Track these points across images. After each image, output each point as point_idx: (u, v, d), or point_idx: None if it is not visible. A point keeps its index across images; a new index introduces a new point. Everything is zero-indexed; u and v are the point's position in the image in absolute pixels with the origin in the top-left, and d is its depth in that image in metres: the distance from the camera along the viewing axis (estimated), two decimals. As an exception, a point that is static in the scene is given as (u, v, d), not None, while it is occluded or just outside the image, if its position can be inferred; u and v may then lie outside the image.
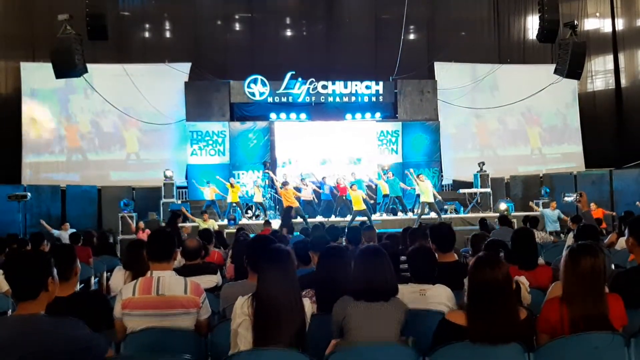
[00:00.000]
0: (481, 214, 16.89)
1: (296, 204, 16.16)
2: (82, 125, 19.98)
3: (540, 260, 5.36)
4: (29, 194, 16.12)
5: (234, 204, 17.33)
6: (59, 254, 3.76)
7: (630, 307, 3.33)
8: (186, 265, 5.38)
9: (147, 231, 14.77)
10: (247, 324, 3.23)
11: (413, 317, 3.55)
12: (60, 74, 13.97)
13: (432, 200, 16.04)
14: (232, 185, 17.44)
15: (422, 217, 16.10)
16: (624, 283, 3.74)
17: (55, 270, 2.80)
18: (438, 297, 3.89)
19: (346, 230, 8.61)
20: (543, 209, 16.39)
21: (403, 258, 5.26)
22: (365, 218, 15.92)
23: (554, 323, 3.15)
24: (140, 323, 3.59)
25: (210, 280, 5.30)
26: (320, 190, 17.93)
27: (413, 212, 17.52)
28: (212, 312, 3.97)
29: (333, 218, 17.07)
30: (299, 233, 10.96)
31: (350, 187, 16.73)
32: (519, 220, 14.01)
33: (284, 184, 16.72)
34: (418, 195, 16.83)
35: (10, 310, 5.54)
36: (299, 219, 16.26)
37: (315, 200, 17.76)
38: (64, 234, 13.95)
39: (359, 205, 16.19)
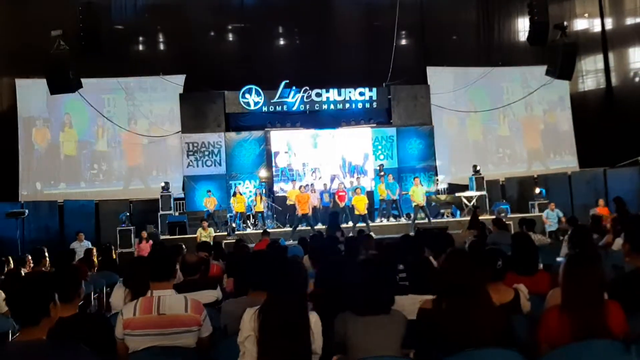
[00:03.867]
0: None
1: (307, 211, 16.28)
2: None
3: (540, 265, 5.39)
4: (26, 210, 16.16)
5: (239, 214, 17.58)
6: (64, 275, 3.78)
7: (630, 311, 3.35)
8: (185, 281, 5.38)
9: (150, 242, 14.81)
10: (253, 339, 3.25)
11: (414, 328, 3.56)
12: (55, 89, 14.00)
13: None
14: (235, 195, 17.65)
15: (417, 221, 16.52)
16: (623, 287, 3.77)
17: (56, 295, 2.82)
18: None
19: (344, 240, 8.61)
20: (546, 210, 16.49)
21: (401, 267, 5.28)
22: (364, 225, 16.04)
23: (555, 332, 3.17)
24: (142, 343, 3.60)
25: (211, 295, 5.27)
26: (320, 199, 17.99)
27: (409, 216, 17.67)
28: (213, 327, 3.96)
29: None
30: (297, 243, 10.96)
31: (354, 191, 16.91)
32: (515, 223, 14.05)
33: (303, 187, 17.18)
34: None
35: (10, 332, 5.55)
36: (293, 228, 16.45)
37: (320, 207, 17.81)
38: (78, 246, 13.99)
39: (361, 209, 16.32)
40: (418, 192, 16.85)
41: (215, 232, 16.54)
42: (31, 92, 19.02)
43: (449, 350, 3.10)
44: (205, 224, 15.79)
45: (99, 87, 19.18)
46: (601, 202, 15.99)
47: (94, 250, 10.62)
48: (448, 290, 3.24)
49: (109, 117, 19.65)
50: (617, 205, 12.80)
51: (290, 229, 16.79)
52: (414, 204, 17.03)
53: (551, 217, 16.20)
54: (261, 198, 17.93)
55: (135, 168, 20.34)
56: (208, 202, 17.86)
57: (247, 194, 19.06)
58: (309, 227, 16.21)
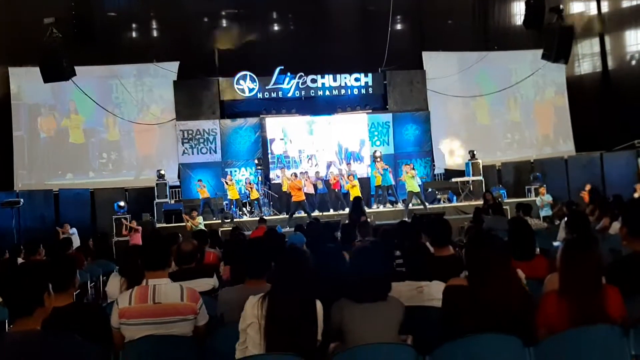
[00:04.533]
0: (474, 202, 16.97)
1: (302, 197, 16.18)
2: (72, 129, 19.83)
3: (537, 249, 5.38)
4: (21, 200, 16.11)
5: (234, 201, 17.47)
6: (59, 265, 3.75)
7: (628, 295, 3.34)
8: (181, 269, 5.36)
9: (139, 229, 14.75)
10: (256, 326, 3.24)
11: (411, 314, 3.55)
12: (48, 78, 13.93)
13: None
14: (227, 183, 17.60)
15: (412, 207, 16.54)
16: (621, 271, 3.76)
17: (50, 285, 2.79)
18: (436, 294, 3.89)
19: (340, 226, 8.61)
20: (538, 197, 16.45)
21: (398, 253, 5.27)
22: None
23: (553, 317, 3.16)
24: (138, 332, 3.58)
25: (207, 283, 5.27)
26: (314, 183, 17.94)
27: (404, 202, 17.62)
28: (210, 315, 3.94)
29: (331, 212, 17.18)
30: (294, 230, 10.94)
31: (348, 177, 16.83)
32: (512, 207, 14.06)
33: (295, 175, 16.86)
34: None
35: (7, 321, 5.54)
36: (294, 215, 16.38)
37: (314, 193, 17.75)
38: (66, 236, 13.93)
39: (356, 195, 16.20)
40: (409, 180, 16.73)
41: (212, 219, 16.50)
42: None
43: (453, 335, 3.10)
44: (195, 213, 15.66)
45: (92, 74, 19.06)
46: (587, 186, 15.98)
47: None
48: (481, 268, 3.22)
49: (103, 105, 19.50)
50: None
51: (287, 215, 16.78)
52: (407, 190, 16.97)
53: (544, 202, 16.15)
54: (251, 186, 17.82)
55: (129, 156, 20.25)
56: (201, 192, 17.79)
57: (242, 180, 19.04)
58: (305, 214, 16.16)
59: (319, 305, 3.36)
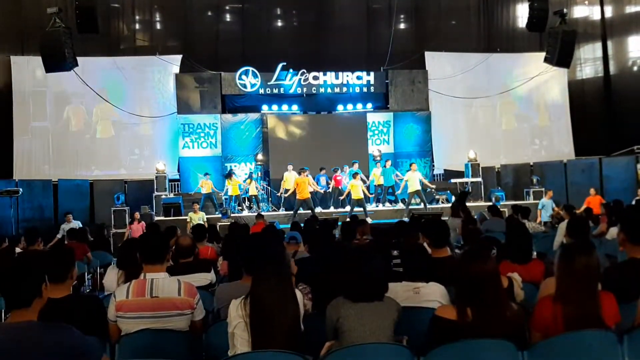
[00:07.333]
0: (472, 204, 16.97)
1: (308, 195, 16.05)
2: (72, 119, 19.79)
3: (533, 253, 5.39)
4: (20, 189, 16.09)
5: (233, 197, 17.46)
6: (58, 256, 3.75)
7: (623, 301, 3.36)
8: (179, 263, 5.37)
9: (142, 223, 14.73)
10: (242, 325, 3.27)
11: (407, 315, 3.56)
12: (50, 68, 13.89)
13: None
14: (230, 177, 17.53)
15: (412, 207, 16.44)
16: (617, 278, 3.77)
17: (46, 276, 2.78)
18: (432, 295, 3.91)
19: (339, 224, 8.62)
20: (542, 200, 16.44)
21: (395, 253, 5.28)
22: (361, 209, 15.96)
23: (548, 321, 3.17)
24: (135, 325, 3.60)
25: (204, 278, 5.29)
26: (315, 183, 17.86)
27: (404, 202, 17.57)
28: (206, 310, 3.97)
29: (332, 209, 17.17)
30: (290, 228, 10.92)
31: (353, 177, 16.63)
32: (510, 210, 14.04)
33: (302, 170, 16.64)
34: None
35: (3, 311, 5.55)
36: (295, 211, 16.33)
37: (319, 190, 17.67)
38: (67, 227, 13.92)
39: (357, 194, 16.14)
40: (413, 178, 16.67)
41: (214, 213, 16.48)
42: (26, 69, 18.89)
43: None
44: (197, 206, 15.63)
45: (94, 65, 18.97)
46: (592, 191, 15.99)
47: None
48: (471, 294, 3.16)
49: (104, 97, 19.40)
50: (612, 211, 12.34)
51: (285, 212, 16.74)
52: (409, 191, 16.86)
53: (547, 206, 16.11)
54: (250, 182, 17.76)
55: (129, 148, 20.21)
56: (205, 185, 17.63)
57: (242, 176, 18.96)
58: (309, 211, 16.06)
59: (299, 293, 3.45)
